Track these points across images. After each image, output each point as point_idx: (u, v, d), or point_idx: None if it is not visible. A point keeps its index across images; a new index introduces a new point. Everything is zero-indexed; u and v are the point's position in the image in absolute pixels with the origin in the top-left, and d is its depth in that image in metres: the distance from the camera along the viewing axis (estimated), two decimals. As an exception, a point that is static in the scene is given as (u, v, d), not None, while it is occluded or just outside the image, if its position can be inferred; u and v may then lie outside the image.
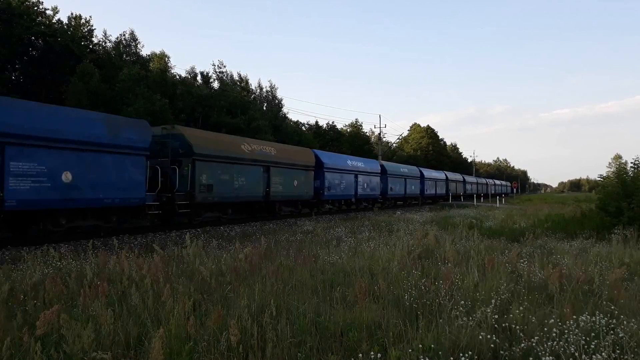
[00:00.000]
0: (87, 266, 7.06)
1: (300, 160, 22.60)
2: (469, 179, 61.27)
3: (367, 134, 69.34)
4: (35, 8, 29.04)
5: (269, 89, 50.80)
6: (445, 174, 52.42)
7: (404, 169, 38.76)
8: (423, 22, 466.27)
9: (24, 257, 8.14)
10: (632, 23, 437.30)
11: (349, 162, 28.09)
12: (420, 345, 3.84)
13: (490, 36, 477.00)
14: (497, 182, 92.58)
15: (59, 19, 30.67)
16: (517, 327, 4.28)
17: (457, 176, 58.99)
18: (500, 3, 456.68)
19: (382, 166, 33.35)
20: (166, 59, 36.20)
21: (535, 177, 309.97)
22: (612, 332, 4.19)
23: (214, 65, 50.71)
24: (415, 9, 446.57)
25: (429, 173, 45.31)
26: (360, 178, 28.85)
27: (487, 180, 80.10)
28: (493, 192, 75.99)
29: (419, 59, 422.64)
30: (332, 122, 61.61)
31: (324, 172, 24.38)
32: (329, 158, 25.90)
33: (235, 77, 44.65)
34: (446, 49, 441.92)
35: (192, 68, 40.82)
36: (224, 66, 43.35)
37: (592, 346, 3.81)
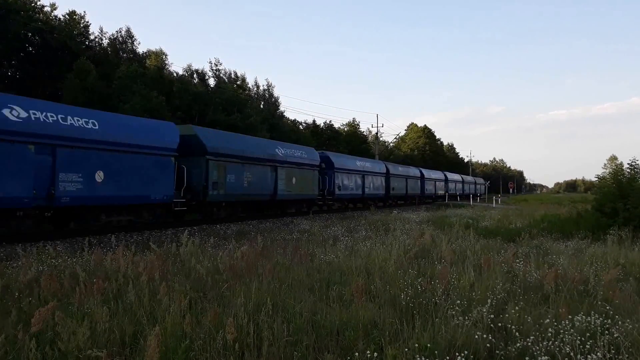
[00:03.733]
0: (83, 264, 7.03)
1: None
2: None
3: (365, 133, 69.37)
4: (33, 4, 28.88)
5: (265, 87, 50.77)
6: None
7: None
8: (420, 25, 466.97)
9: (19, 254, 8.10)
10: (629, 26, 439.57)
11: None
12: (417, 345, 3.85)
13: (486, 38, 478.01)
14: (456, 177, 62.06)
15: (55, 15, 30.55)
16: (513, 326, 4.30)
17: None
18: (497, 6, 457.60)
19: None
20: (163, 57, 36.09)
21: (531, 177, 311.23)
22: (607, 332, 4.21)
23: (210, 62, 50.61)
24: (412, 13, 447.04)
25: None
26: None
27: (433, 174, 50.42)
28: (440, 190, 51.44)
29: (416, 60, 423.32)
30: (330, 121, 61.54)
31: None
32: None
33: (232, 75, 44.59)
34: (443, 51, 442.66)
35: (189, 66, 40.71)
36: (220, 64, 43.29)
37: (588, 346, 3.82)
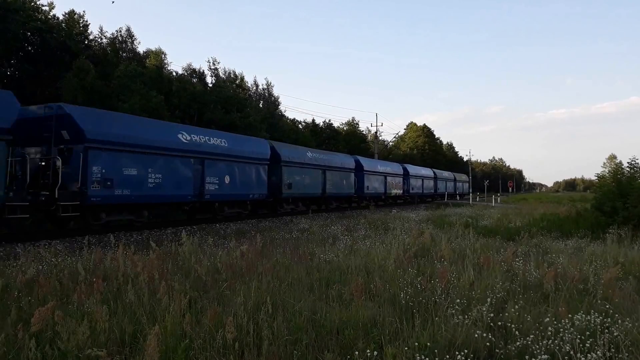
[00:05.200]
0: (82, 263, 7.03)
1: None
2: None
3: (364, 132, 69.41)
4: (32, 4, 28.84)
5: (265, 86, 50.78)
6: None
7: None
8: (419, 25, 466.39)
9: (19, 253, 8.09)
10: (628, 26, 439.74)
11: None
12: (416, 343, 3.84)
13: (485, 39, 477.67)
14: (424, 172, 47.34)
15: (54, 15, 30.52)
16: (513, 325, 4.29)
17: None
18: (496, 7, 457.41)
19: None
20: (162, 56, 36.06)
21: (530, 176, 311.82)
22: (607, 330, 4.21)
23: (208, 62, 50.58)
24: (412, 13, 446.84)
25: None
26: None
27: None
28: (396, 189, 37.63)
29: (415, 60, 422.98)
30: (329, 120, 61.57)
31: None
32: None
33: (231, 74, 44.57)
34: (442, 51, 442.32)
35: (189, 65, 40.71)
36: (218, 62, 43.28)
37: (587, 345, 3.82)
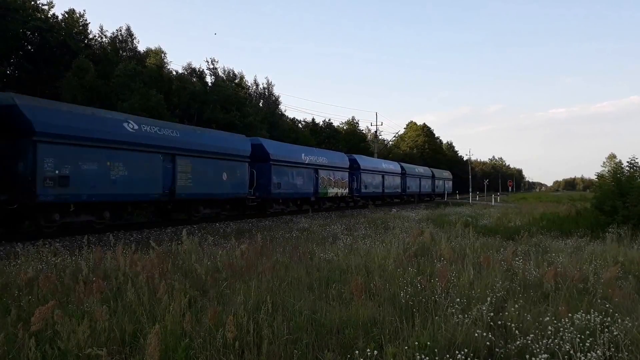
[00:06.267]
0: (82, 262, 7.02)
1: None
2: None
3: (364, 131, 69.38)
4: (32, 3, 28.82)
5: (265, 86, 50.77)
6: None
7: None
8: (419, 25, 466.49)
9: (18, 252, 8.08)
10: (628, 26, 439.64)
11: None
12: (417, 343, 3.85)
13: (485, 38, 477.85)
14: (390, 166, 37.72)
15: (53, 14, 30.51)
16: (513, 324, 4.29)
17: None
18: (495, 6, 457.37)
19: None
20: (162, 55, 36.03)
21: (530, 175, 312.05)
22: (606, 330, 4.21)
23: (207, 61, 50.47)
24: (412, 13, 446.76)
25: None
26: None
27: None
28: (339, 188, 28.11)
29: (416, 60, 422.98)
30: (329, 120, 61.55)
31: None
32: None
33: (230, 74, 44.52)
34: (442, 51, 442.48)
35: (189, 64, 40.68)
36: (217, 62, 43.21)
37: (587, 344, 3.82)
